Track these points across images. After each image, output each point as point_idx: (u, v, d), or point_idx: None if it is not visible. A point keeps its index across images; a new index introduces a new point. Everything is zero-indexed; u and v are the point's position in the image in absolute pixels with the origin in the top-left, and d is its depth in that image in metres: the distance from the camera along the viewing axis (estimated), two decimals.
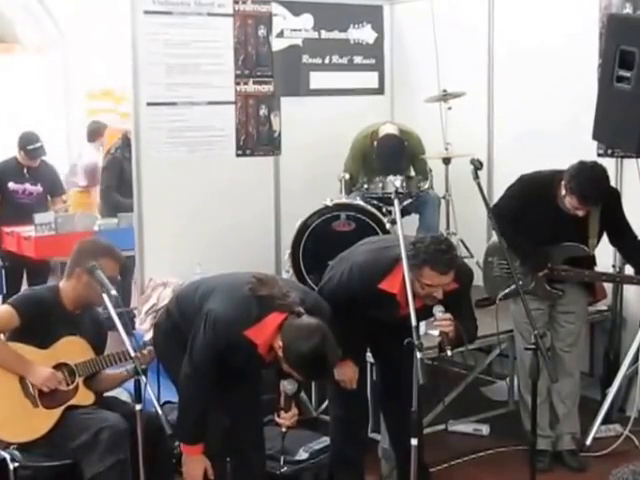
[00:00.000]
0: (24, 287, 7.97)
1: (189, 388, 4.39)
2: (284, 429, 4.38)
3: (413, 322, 4.19)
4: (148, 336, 6.45)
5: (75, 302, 4.81)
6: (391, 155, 7.02)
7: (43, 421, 4.57)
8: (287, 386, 4.28)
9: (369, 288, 4.73)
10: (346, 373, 4.94)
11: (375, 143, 7.11)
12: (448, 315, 4.52)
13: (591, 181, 5.28)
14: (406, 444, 4.25)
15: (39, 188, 8.68)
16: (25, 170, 8.64)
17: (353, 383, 4.96)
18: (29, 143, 8.63)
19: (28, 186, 8.61)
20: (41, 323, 4.65)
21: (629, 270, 6.43)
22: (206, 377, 4.33)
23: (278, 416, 4.37)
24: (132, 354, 4.06)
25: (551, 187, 5.50)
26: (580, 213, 5.41)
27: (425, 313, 4.63)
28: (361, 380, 5.09)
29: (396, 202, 4.71)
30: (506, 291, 5.67)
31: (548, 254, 5.61)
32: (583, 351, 6.00)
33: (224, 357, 4.31)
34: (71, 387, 4.67)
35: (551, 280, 5.66)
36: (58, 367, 4.66)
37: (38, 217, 8.07)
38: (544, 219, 5.54)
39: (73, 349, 4.73)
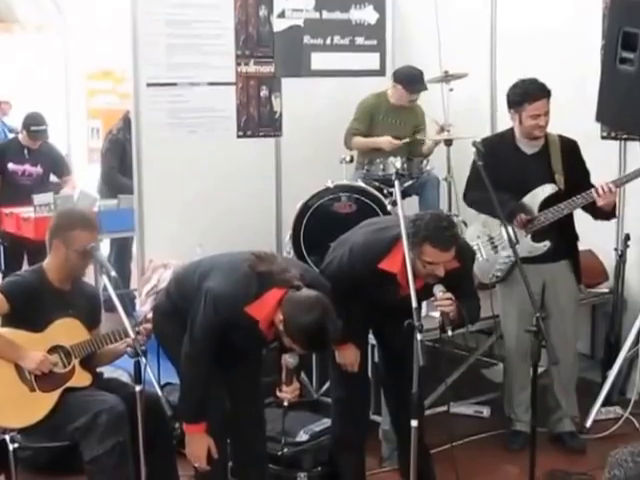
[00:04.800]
0: (25, 267, 7.95)
1: (190, 367, 4.38)
2: (286, 403, 4.37)
3: (414, 304, 4.18)
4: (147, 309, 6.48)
5: (61, 276, 4.78)
6: (414, 70, 7.25)
7: (41, 405, 4.55)
8: (289, 359, 4.27)
9: (369, 268, 4.70)
10: (347, 356, 4.93)
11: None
12: (449, 294, 4.49)
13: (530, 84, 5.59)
14: (407, 425, 4.26)
15: (39, 169, 8.64)
16: (26, 151, 8.62)
17: (355, 366, 4.95)
18: (33, 124, 8.59)
19: (28, 167, 8.59)
20: (32, 306, 4.62)
21: (631, 253, 6.45)
22: (206, 355, 4.32)
23: (280, 390, 4.37)
24: (132, 337, 4.05)
25: (506, 134, 5.75)
26: (539, 128, 5.53)
27: (426, 293, 4.61)
28: (363, 362, 5.08)
29: (397, 183, 4.71)
30: (494, 279, 5.69)
31: (521, 204, 5.59)
32: (575, 336, 5.97)
33: (225, 335, 4.31)
34: (67, 369, 4.66)
35: (535, 235, 5.63)
36: (53, 350, 4.64)
37: (37, 198, 8.02)
38: (510, 166, 5.61)
39: (68, 331, 4.70)
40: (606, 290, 6.56)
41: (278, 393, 4.39)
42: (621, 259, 6.47)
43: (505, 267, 5.70)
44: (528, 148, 5.68)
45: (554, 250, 5.64)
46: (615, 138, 6.47)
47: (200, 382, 4.38)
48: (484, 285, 6.17)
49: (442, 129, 7.13)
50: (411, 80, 7.22)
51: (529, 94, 5.53)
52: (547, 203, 5.58)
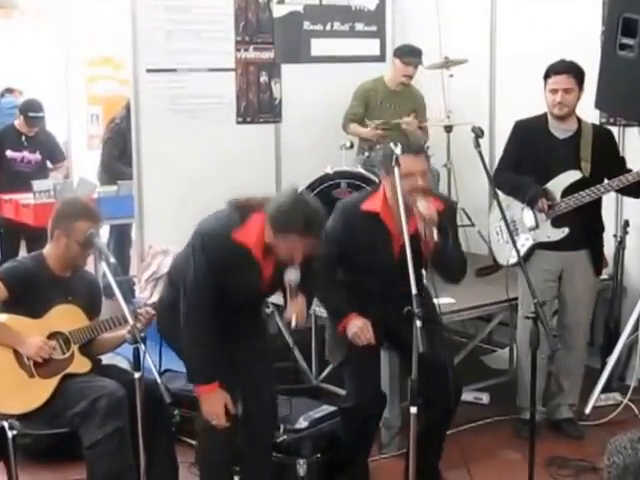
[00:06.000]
0: (22, 253, 7.95)
1: (190, 325, 4.32)
2: (294, 324, 4.26)
3: (413, 290, 4.14)
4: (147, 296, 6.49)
5: (61, 265, 4.78)
6: (412, 45, 7.39)
7: (40, 391, 4.55)
8: (290, 276, 4.24)
9: (353, 215, 4.79)
10: (355, 325, 4.77)
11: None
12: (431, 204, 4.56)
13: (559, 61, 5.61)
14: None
15: (37, 156, 8.61)
16: (23, 138, 8.56)
17: (365, 333, 4.75)
18: (31, 110, 8.54)
19: (26, 154, 8.54)
20: (30, 293, 4.63)
21: (630, 240, 6.45)
22: (205, 308, 4.26)
23: (285, 309, 4.35)
24: (131, 323, 4.03)
25: (541, 118, 5.69)
26: (558, 105, 5.51)
27: (418, 241, 4.55)
28: (377, 371, 5.06)
29: (396, 170, 4.67)
30: (511, 261, 5.65)
31: (544, 188, 5.58)
32: (587, 326, 5.97)
33: (222, 281, 4.25)
34: (66, 355, 4.66)
35: (555, 220, 5.62)
36: (52, 336, 4.64)
37: (37, 184, 8.02)
38: (539, 150, 5.63)
39: (67, 317, 4.71)
40: (605, 276, 6.53)
41: (285, 316, 4.34)
42: (620, 245, 6.46)
43: (523, 250, 5.67)
44: (560, 133, 5.64)
45: (574, 239, 5.62)
46: (614, 124, 6.45)
47: (205, 339, 4.30)
48: (485, 270, 6.21)
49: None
50: (406, 51, 7.28)
51: (552, 68, 5.55)
52: (572, 190, 5.56)
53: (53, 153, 8.87)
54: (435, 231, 4.49)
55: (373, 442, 5.21)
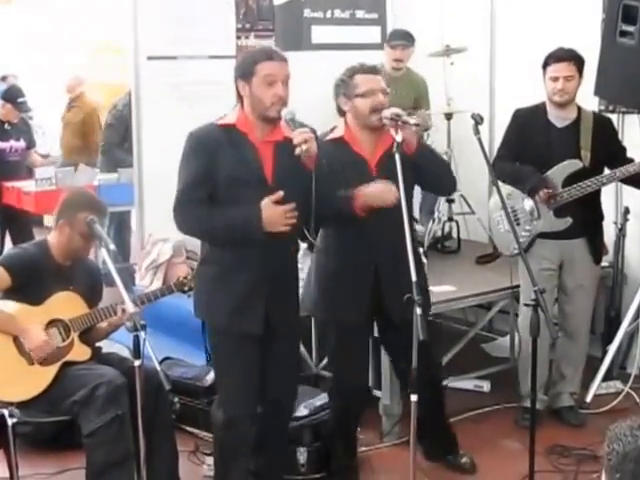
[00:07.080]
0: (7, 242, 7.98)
1: (185, 215, 4.49)
2: (305, 147, 4.11)
3: (413, 277, 4.13)
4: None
5: (63, 254, 4.80)
6: (401, 29, 7.42)
7: (39, 379, 4.56)
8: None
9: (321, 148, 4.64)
10: (377, 188, 4.60)
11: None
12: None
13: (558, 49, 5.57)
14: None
15: (22, 144, 8.47)
16: (6, 126, 8.37)
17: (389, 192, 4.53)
18: (19, 96, 8.39)
19: (13, 143, 8.39)
20: (33, 281, 4.64)
21: (631, 227, 6.44)
22: (197, 201, 4.34)
23: None
24: (131, 310, 4.03)
25: (540, 106, 5.67)
26: (559, 92, 5.48)
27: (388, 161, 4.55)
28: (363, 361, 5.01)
29: (397, 156, 4.66)
30: (515, 251, 5.64)
31: (544, 178, 5.55)
32: (589, 314, 5.95)
33: (217, 173, 4.24)
34: (66, 343, 4.66)
35: (557, 211, 5.60)
36: (52, 323, 4.65)
37: (39, 172, 8.03)
38: (538, 139, 5.61)
39: (67, 304, 4.72)
40: (606, 264, 6.51)
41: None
42: (621, 233, 6.45)
43: (525, 240, 5.66)
44: (558, 121, 5.62)
45: (573, 227, 5.60)
46: (613, 112, 6.43)
47: (209, 217, 4.32)
48: (485, 258, 6.17)
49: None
50: (393, 35, 7.30)
51: (552, 56, 5.53)
52: (573, 179, 5.54)
53: (32, 139, 8.78)
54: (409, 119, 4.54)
55: (355, 429, 5.19)
